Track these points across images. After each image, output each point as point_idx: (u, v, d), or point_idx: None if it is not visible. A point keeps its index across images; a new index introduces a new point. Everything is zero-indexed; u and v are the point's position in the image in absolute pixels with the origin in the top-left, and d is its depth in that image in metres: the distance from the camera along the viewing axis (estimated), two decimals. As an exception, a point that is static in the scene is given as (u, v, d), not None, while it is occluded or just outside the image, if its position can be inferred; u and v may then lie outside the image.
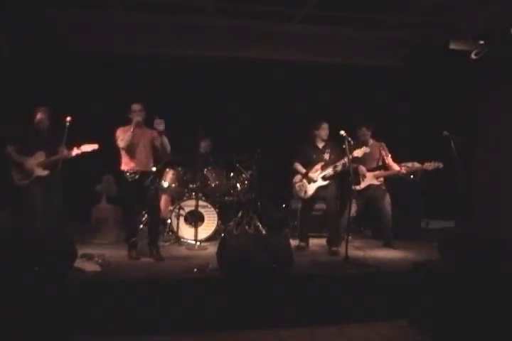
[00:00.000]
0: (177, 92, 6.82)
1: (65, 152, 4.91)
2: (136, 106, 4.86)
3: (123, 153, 4.87)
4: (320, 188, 5.42)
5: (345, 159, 5.08)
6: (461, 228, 5.93)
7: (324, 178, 5.41)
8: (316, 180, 5.41)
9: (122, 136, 4.80)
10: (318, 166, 5.44)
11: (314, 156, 5.51)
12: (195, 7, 6.04)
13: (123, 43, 6.47)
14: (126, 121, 4.87)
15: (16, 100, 5.88)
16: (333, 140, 5.44)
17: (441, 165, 5.38)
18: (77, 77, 6.52)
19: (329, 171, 5.35)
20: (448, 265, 3.91)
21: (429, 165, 5.41)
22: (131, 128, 4.77)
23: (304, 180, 5.49)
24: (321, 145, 5.55)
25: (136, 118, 4.79)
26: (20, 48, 5.93)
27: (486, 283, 3.41)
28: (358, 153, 5.14)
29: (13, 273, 3.56)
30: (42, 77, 6.22)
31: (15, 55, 5.90)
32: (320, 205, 5.97)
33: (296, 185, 5.55)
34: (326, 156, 5.47)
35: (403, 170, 5.54)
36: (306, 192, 5.47)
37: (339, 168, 5.29)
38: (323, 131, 5.47)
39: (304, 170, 5.51)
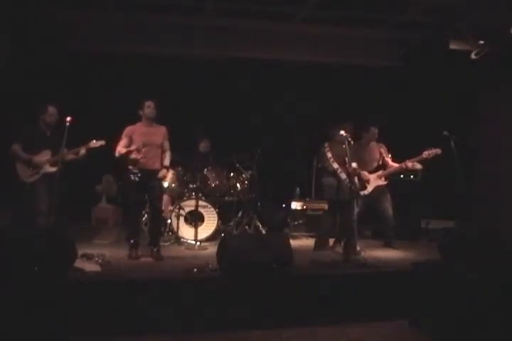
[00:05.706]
0: (177, 92, 6.82)
1: (66, 152, 4.90)
2: (146, 103, 4.87)
3: None
4: None
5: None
6: (461, 228, 5.92)
7: None
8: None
9: (124, 140, 4.80)
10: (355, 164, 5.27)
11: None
12: (195, 7, 6.04)
13: (123, 43, 6.46)
14: (136, 119, 4.92)
15: (17, 100, 5.88)
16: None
17: (439, 150, 5.35)
18: (77, 77, 6.52)
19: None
20: (448, 265, 3.91)
21: (429, 154, 5.38)
22: (137, 129, 4.81)
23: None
24: None
25: (139, 112, 4.83)
26: (22, 48, 5.93)
27: (486, 283, 3.41)
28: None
29: (13, 273, 3.55)
30: (42, 77, 6.22)
31: (16, 55, 5.90)
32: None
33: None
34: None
35: (408, 163, 5.48)
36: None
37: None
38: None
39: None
